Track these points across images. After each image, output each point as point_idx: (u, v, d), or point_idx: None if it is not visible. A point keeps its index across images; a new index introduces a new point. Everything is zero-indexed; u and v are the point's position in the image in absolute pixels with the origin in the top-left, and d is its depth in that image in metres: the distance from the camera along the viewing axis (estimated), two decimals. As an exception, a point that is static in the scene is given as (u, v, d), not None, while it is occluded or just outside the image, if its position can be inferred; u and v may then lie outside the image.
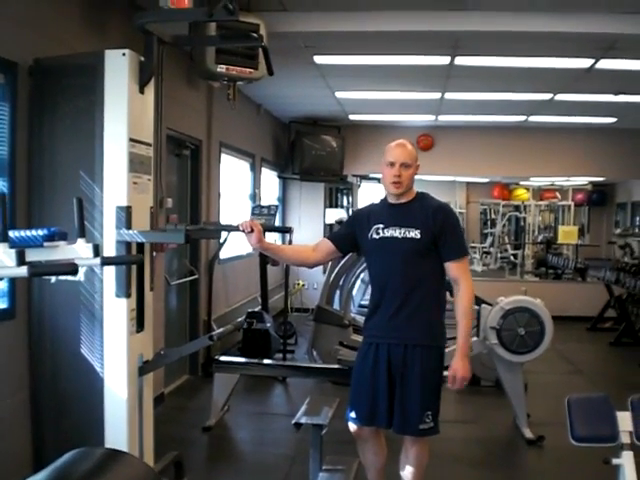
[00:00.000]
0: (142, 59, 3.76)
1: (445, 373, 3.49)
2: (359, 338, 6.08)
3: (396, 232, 3.45)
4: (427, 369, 3.42)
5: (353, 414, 3.57)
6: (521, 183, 15.07)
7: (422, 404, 3.42)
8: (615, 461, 2.93)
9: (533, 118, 10.22)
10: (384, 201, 3.63)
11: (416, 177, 3.56)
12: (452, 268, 3.48)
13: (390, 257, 3.47)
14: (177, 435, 5.34)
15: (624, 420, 2.96)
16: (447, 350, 3.59)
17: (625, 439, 2.93)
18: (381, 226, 3.50)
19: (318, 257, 3.74)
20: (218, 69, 5.45)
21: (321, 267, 8.43)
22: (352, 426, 3.62)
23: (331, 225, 10.55)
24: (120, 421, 3.70)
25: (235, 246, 8.26)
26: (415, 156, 3.52)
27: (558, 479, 4.77)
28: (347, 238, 3.69)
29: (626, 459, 2.90)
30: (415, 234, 3.42)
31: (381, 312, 3.52)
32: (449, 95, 8.61)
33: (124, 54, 3.65)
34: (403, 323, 3.43)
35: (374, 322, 3.56)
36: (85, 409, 3.76)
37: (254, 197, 9.41)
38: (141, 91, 3.78)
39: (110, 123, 3.65)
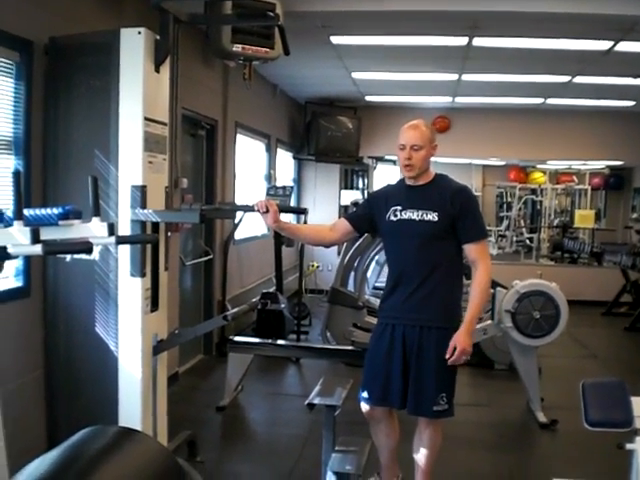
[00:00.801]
0: (158, 38, 3.75)
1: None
2: (373, 320, 6.09)
3: (414, 214, 3.44)
4: (442, 351, 3.39)
5: (365, 394, 3.58)
6: (538, 166, 14.93)
7: (437, 386, 3.42)
8: (629, 446, 2.91)
9: (551, 101, 10.11)
10: (401, 182, 3.61)
11: (432, 159, 3.53)
12: (471, 250, 3.47)
13: (407, 239, 3.46)
14: (191, 414, 5.37)
15: (639, 405, 2.94)
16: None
17: (639, 424, 2.92)
18: (399, 208, 3.48)
19: (335, 237, 3.74)
20: (234, 48, 5.43)
21: (336, 248, 8.43)
22: (364, 406, 3.63)
23: (346, 207, 10.52)
24: (134, 400, 3.72)
25: (250, 227, 8.26)
26: (428, 137, 3.47)
27: (571, 463, 4.75)
28: (364, 219, 3.68)
29: (640, 444, 2.89)
30: (433, 217, 3.40)
31: (398, 293, 3.51)
32: (466, 77, 8.53)
33: (140, 33, 3.63)
34: (419, 305, 3.43)
35: (390, 303, 3.55)
36: (99, 388, 3.78)
37: (269, 178, 9.39)
38: (157, 70, 3.77)
39: (125, 102, 3.64)
